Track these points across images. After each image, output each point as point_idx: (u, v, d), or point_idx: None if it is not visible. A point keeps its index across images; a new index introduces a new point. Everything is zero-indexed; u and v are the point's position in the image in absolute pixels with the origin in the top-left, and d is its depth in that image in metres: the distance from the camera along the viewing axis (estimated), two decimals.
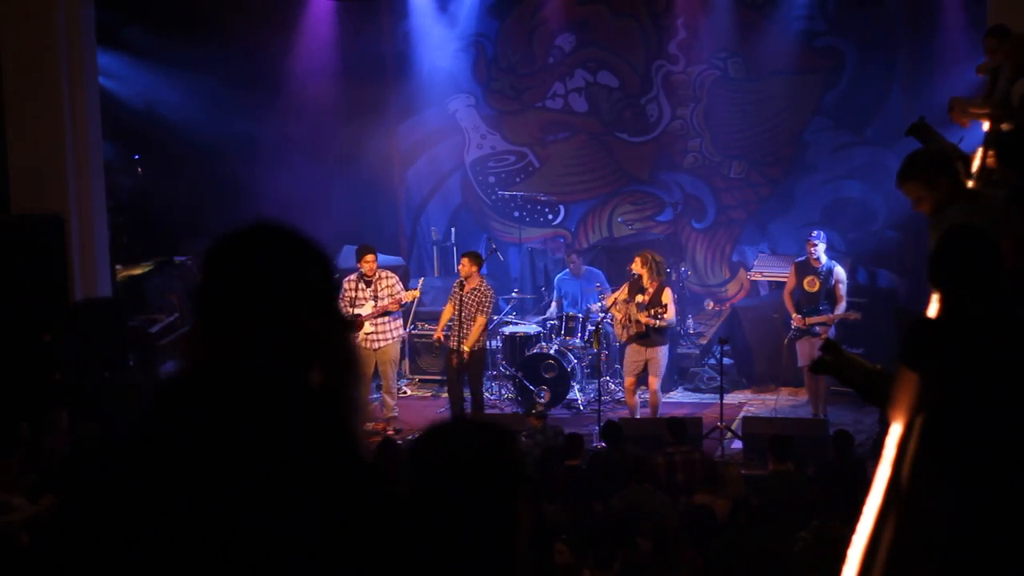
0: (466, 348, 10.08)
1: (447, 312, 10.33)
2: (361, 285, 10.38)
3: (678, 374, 11.77)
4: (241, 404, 1.69)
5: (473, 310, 10.07)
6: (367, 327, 10.30)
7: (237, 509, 1.64)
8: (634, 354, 10.14)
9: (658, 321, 9.87)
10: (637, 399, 10.31)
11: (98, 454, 1.76)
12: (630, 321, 10.06)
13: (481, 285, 10.14)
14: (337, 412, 1.76)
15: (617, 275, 12.07)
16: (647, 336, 10.01)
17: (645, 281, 10.04)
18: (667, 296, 10.01)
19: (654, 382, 10.11)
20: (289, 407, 1.71)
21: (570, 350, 11.13)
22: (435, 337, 10.60)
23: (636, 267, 10.11)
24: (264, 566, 1.64)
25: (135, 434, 1.73)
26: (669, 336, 10.37)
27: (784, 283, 11.09)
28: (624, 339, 10.34)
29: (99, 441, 1.82)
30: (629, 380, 10.25)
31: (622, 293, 10.21)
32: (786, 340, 10.50)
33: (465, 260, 10.29)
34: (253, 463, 1.65)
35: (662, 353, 10.10)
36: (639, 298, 10.01)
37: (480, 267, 10.28)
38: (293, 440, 1.68)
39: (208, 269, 1.75)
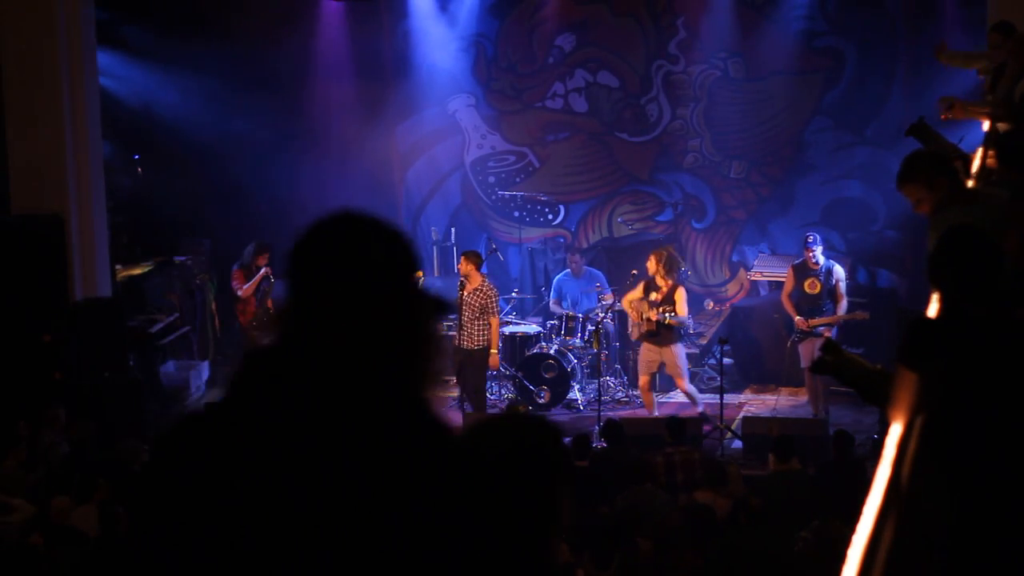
0: (494, 351, 10.17)
1: None
2: None
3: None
4: (322, 381, 1.75)
5: (476, 311, 10.08)
6: None
7: (318, 486, 1.70)
8: (647, 353, 10.20)
9: (667, 318, 9.91)
10: (654, 397, 10.42)
11: (179, 432, 1.83)
12: (643, 319, 10.12)
13: (483, 285, 10.15)
14: (417, 389, 1.81)
15: (617, 275, 12.08)
16: (657, 335, 10.04)
17: (659, 279, 10.08)
18: (680, 295, 10.06)
19: (682, 383, 10.19)
20: (369, 384, 1.77)
21: (570, 350, 11.14)
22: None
23: (651, 265, 10.13)
24: (349, 540, 1.70)
25: (217, 409, 1.82)
26: (681, 335, 10.40)
27: (784, 283, 11.09)
28: (635, 337, 10.38)
29: (181, 419, 1.86)
30: (643, 379, 10.34)
31: (637, 292, 10.27)
32: (789, 343, 10.49)
33: (463, 259, 10.32)
34: (333, 439, 1.71)
35: (677, 352, 10.14)
36: (653, 296, 10.07)
37: (479, 266, 10.28)
38: (372, 416, 1.75)
39: (293, 253, 1.84)
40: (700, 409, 10.17)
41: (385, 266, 1.82)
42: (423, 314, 1.86)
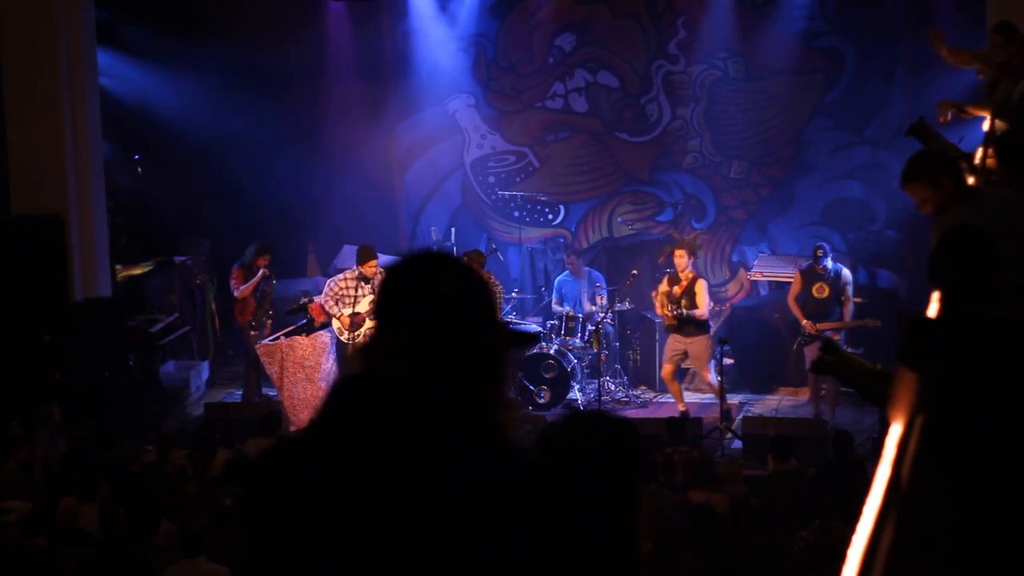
0: None
1: None
2: (360, 283, 10.49)
3: (678, 374, 11.77)
4: (404, 407, 1.93)
5: None
6: (369, 323, 10.40)
7: (402, 503, 1.87)
8: (673, 343, 10.48)
9: (683, 313, 10.09)
10: (680, 385, 10.72)
11: (275, 451, 2.04)
12: (665, 313, 10.39)
13: (487, 281, 10.24)
14: (489, 414, 1.98)
15: (617, 275, 12.08)
16: (681, 328, 10.28)
17: (680, 272, 10.22)
18: (700, 287, 10.23)
19: (707, 375, 10.42)
20: (446, 410, 1.94)
21: (570, 350, 11.14)
22: None
23: (681, 261, 10.33)
24: (429, 554, 1.86)
25: (309, 433, 2.00)
26: (708, 326, 10.60)
27: (784, 283, 11.09)
28: (665, 330, 10.67)
29: (277, 444, 2.12)
30: (666, 368, 10.59)
31: (664, 285, 10.42)
32: (795, 346, 10.48)
33: (465, 258, 10.35)
34: (415, 459, 1.88)
35: (703, 344, 10.29)
36: (675, 289, 10.23)
37: (482, 265, 10.34)
38: (450, 439, 1.91)
39: (383, 289, 2.04)
40: (724, 403, 10.26)
41: (454, 303, 2.00)
42: (494, 347, 2.03)
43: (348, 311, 10.45)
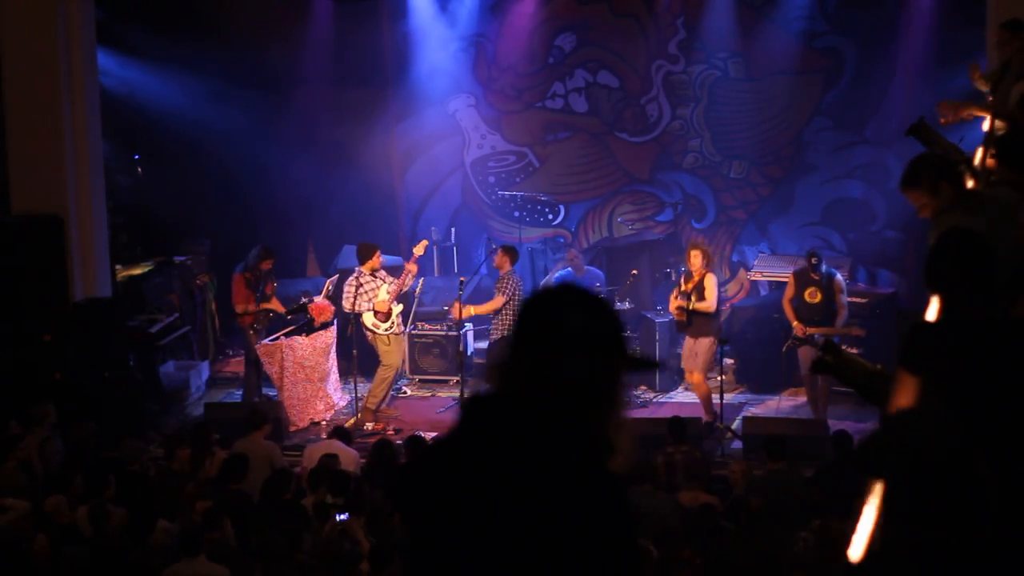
0: (471, 308, 10.57)
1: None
2: (367, 278, 10.58)
3: (678, 374, 11.77)
4: (526, 422, 2.18)
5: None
6: (396, 309, 10.68)
7: (512, 504, 2.12)
8: (686, 347, 10.46)
9: (689, 303, 10.08)
10: (708, 386, 10.59)
11: (422, 460, 2.41)
12: (676, 310, 10.39)
13: (505, 275, 10.61)
14: (603, 449, 2.20)
15: (617, 275, 12.07)
16: (689, 324, 10.29)
17: (694, 269, 10.29)
18: (709, 282, 10.22)
19: (699, 377, 10.31)
20: (570, 436, 2.18)
21: None
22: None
23: (696, 261, 10.31)
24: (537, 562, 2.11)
25: (447, 445, 2.30)
26: (717, 327, 10.49)
27: (784, 283, 11.06)
28: (678, 331, 10.72)
29: (424, 449, 2.46)
30: (687, 375, 10.61)
31: (681, 283, 10.48)
32: (785, 348, 10.47)
33: (500, 251, 10.80)
34: (526, 469, 2.14)
35: (705, 345, 10.26)
36: (687, 286, 10.24)
37: (513, 260, 10.72)
38: (559, 453, 2.16)
39: (520, 318, 2.28)
40: (705, 418, 10.23)
41: (579, 336, 2.21)
42: (611, 374, 2.24)
43: (384, 299, 10.60)
